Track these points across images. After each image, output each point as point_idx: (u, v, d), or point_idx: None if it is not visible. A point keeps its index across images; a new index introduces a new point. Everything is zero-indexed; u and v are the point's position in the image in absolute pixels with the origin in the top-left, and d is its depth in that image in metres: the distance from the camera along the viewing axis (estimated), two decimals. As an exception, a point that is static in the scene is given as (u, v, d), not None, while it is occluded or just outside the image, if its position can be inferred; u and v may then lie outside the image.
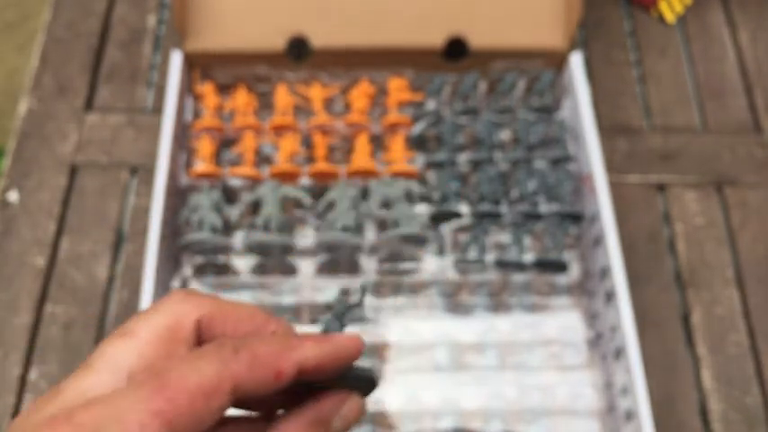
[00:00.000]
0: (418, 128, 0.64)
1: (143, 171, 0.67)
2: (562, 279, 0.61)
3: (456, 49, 0.66)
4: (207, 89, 0.65)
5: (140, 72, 0.72)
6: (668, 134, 0.71)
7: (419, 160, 0.63)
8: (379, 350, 0.58)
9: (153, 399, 0.21)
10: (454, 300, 0.60)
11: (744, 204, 0.68)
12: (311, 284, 0.60)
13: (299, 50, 0.66)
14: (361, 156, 0.63)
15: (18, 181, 0.66)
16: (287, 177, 0.62)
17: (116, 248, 0.64)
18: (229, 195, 0.62)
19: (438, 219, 0.61)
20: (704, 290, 0.64)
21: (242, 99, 0.65)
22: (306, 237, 0.60)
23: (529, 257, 0.60)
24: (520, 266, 0.60)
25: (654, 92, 0.74)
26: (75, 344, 0.60)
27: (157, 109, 0.70)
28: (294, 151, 0.63)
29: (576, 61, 0.65)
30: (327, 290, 0.60)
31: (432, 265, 0.60)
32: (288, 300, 0.59)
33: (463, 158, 0.63)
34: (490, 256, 0.60)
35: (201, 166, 0.62)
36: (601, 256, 0.59)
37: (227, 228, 0.60)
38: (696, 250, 0.66)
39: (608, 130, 0.71)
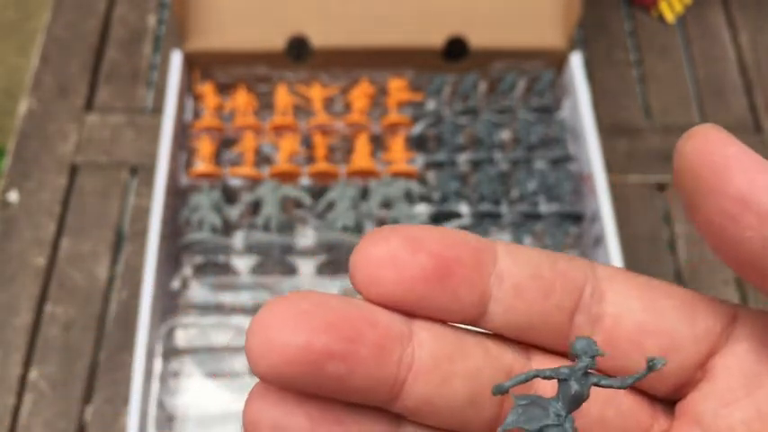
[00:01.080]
0: (418, 128, 0.64)
1: (143, 171, 0.67)
2: (562, 279, 0.61)
3: (456, 49, 0.66)
4: (207, 89, 0.65)
5: (140, 72, 0.72)
6: (668, 134, 0.71)
7: (419, 160, 0.63)
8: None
9: None
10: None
11: (744, 204, 0.68)
12: (311, 284, 0.60)
13: (298, 50, 0.66)
14: (361, 156, 0.63)
15: (18, 181, 0.66)
16: (287, 177, 0.62)
17: (116, 248, 0.64)
18: (229, 195, 0.62)
19: (438, 219, 0.61)
20: (704, 290, 0.64)
21: (242, 99, 0.65)
22: (306, 237, 0.60)
23: (529, 257, 0.60)
24: (520, 266, 0.60)
25: (654, 92, 0.74)
26: (75, 344, 0.60)
27: (157, 109, 0.70)
28: (294, 151, 0.63)
29: (576, 61, 0.65)
30: (328, 289, 0.60)
31: (432, 265, 0.60)
32: (288, 300, 0.59)
33: (463, 158, 0.63)
34: (490, 256, 0.60)
35: (201, 166, 0.62)
36: (601, 256, 0.59)
37: (227, 228, 0.60)
38: (696, 250, 0.66)
39: (608, 130, 0.71)
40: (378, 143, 0.65)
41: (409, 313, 0.20)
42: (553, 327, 0.21)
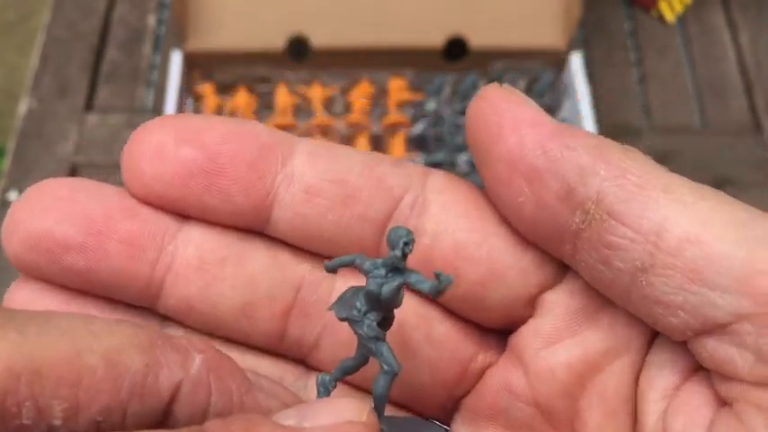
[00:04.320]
0: (418, 128, 0.64)
1: (143, 171, 0.67)
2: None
3: (456, 49, 0.66)
4: (207, 89, 0.65)
5: (140, 72, 0.72)
6: (668, 134, 0.71)
7: (419, 160, 0.63)
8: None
9: None
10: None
11: (744, 204, 0.68)
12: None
13: (298, 50, 0.66)
14: (361, 156, 0.63)
15: (18, 181, 0.66)
16: (287, 177, 0.62)
17: (116, 248, 0.64)
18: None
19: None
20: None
21: (242, 99, 0.65)
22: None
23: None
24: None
25: (654, 92, 0.74)
26: (75, 344, 0.60)
27: (157, 109, 0.70)
28: (294, 151, 0.63)
29: (576, 61, 0.65)
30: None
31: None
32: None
33: (463, 158, 0.63)
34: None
35: (201, 166, 0.62)
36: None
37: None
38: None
39: (608, 130, 0.71)
40: (378, 143, 0.65)
41: (180, 212, 0.18)
42: (357, 240, 0.19)
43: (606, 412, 0.18)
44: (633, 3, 0.78)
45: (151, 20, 0.75)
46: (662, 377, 0.18)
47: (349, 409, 0.16)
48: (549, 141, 0.17)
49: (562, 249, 0.17)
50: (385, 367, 0.17)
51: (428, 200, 0.19)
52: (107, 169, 0.67)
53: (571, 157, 0.16)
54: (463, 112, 0.65)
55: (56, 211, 0.18)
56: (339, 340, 0.19)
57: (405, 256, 0.16)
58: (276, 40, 0.65)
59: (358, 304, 0.17)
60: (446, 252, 0.18)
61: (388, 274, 0.16)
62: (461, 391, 0.20)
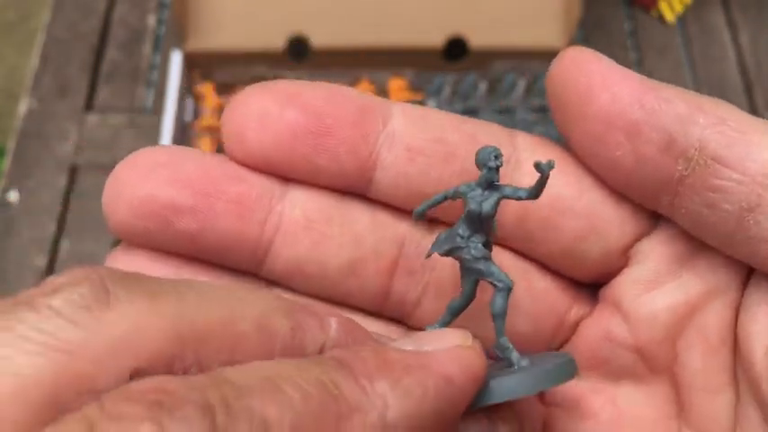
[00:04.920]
0: (418, 128, 0.64)
1: (143, 171, 0.67)
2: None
3: (456, 49, 0.66)
4: (207, 89, 0.65)
5: (140, 72, 0.72)
6: (668, 134, 0.71)
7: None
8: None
9: None
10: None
11: (744, 204, 0.68)
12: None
13: (298, 50, 0.66)
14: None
15: (18, 181, 0.66)
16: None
17: (116, 248, 0.64)
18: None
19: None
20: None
21: (242, 99, 0.65)
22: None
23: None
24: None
25: (654, 92, 0.74)
26: (75, 344, 0.60)
27: (157, 109, 0.70)
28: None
29: (576, 61, 0.65)
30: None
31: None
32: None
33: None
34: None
35: (201, 166, 0.62)
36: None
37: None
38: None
39: (608, 130, 0.71)
40: (378, 143, 0.65)
41: (283, 175, 0.18)
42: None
43: (707, 351, 0.19)
44: (633, 3, 0.78)
45: (151, 20, 0.75)
46: (765, 311, 0.18)
47: (456, 335, 0.17)
48: (644, 95, 0.17)
49: (659, 199, 0.18)
50: (499, 285, 0.18)
51: (521, 158, 0.19)
52: (107, 169, 0.67)
53: (669, 109, 0.17)
54: (463, 113, 0.65)
55: (162, 176, 0.18)
56: (441, 299, 0.20)
57: (497, 168, 0.17)
58: (276, 40, 0.65)
59: (460, 231, 0.18)
60: (544, 208, 0.19)
61: (484, 191, 0.17)
62: (557, 343, 0.21)
